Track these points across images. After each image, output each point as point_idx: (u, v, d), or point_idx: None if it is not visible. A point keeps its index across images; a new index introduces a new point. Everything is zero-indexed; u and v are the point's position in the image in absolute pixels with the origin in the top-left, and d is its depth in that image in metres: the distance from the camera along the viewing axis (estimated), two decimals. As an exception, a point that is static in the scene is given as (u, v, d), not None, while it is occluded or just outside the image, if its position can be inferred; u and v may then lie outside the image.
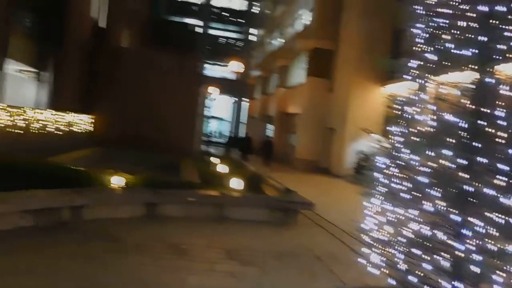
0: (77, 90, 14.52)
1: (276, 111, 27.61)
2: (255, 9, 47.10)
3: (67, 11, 13.34)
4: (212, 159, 13.68)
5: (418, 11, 3.61)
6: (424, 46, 3.54)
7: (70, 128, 13.00)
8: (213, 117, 41.40)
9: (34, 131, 10.16)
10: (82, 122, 14.30)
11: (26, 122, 9.71)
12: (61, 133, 12.05)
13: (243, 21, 49.44)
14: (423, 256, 3.20)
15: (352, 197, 4.57)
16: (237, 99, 47.14)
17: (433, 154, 3.28)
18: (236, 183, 8.29)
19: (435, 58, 3.47)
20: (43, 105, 12.42)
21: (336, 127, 20.21)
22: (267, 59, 33.17)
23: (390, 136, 3.71)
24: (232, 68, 24.57)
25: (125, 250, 5.22)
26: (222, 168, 11.07)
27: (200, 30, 44.10)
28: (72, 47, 13.82)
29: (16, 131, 9.09)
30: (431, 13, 3.52)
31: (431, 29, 3.51)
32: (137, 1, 22.77)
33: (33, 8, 11.38)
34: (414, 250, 3.25)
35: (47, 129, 11.03)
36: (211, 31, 49.14)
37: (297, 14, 27.04)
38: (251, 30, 47.36)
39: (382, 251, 3.50)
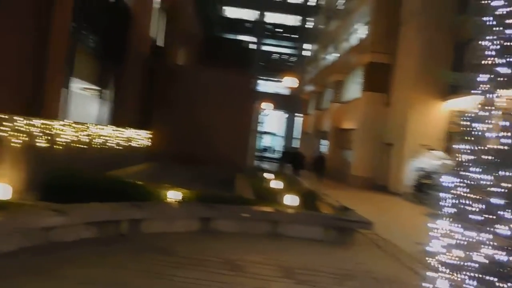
0: (136, 107, 15.23)
1: (331, 127, 27.31)
2: (309, 25, 47.25)
3: (128, 32, 14.10)
4: (266, 174, 13.71)
5: (487, 23, 3.46)
6: (494, 59, 3.38)
7: (129, 143, 13.60)
8: (266, 133, 41.67)
9: (96, 146, 10.73)
10: (141, 137, 14.93)
11: (89, 138, 10.28)
12: (121, 148, 12.63)
13: (297, 36, 49.72)
14: (497, 283, 3.00)
15: (413, 216, 4.40)
16: (290, 115, 47.15)
17: (507, 173, 3.09)
18: (291, 200, 8.24)
19: (507, 71, 3.30)
20: (104, 121, 13.12)
21: (394, 143, 19.63)
22: (321, 74, 33.04)
23: (455, 153, 3.55)
24: (285, 84, 24.70)
25: (181, 264, 5.33)
26: (276, 184, 11.05)
27: (254, 46, 44.88)
28: (132, 66, 14.56)
29: (80, 146, 9.64)
30: (502, 25, 3.37)
31: (502, 41, 3.35)
32: (193, 20, 23.64)
33: (97, 30, 12.14)
34: (487, 277, 3.05)
35: (108, 144, 11.61)
36: (265, 47, 49.81)
37: (352, 28, 26.81)
38: (305, 45, 47.50)
39: (450, 275, 3.31)
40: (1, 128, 6.73)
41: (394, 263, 6.66)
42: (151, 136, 15.92)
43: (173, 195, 7.37)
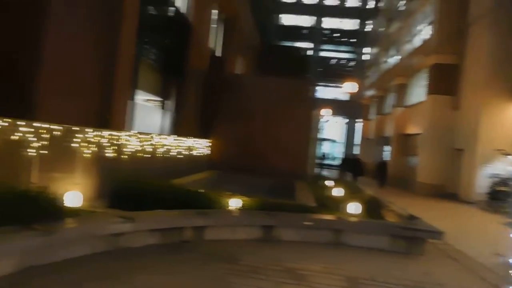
0: (196, 116, 15.70)
1: (394, 132, 26.42)
2: (368, 28, 46.29)
3: (188, 44, 14.61)
4: (326, 182, 13.51)
5: None
6: None
7: (190, 152, 14.00)
8: (325, 139, 41.16)
9: (159, 155, 11.16)
10: (201, 146, 15.32)
11: (153, 147, 10.71)
12: (182, 157, 13.03)
13: (355, 40, 48.88)
14: None
15: (487, 226, 4.11)
16: (350, 121, 46.30)
17: None
18: (354, 208, 8.05)
19: None
20: (167, 131, 13.62)
21: (464, 148, 18.59)
22: (382, 78, 32.16)
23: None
24: (345, 89, 24.30)
25: (243, 272, 5.36)
26: (337, 191, 10.86)
27: (311, 53, 44.66)
28: (192, 77, 15.04)
29: (145, 155, 10.07)
30: None
31: None
32: (250, 30, 24.01)
33: (158, 43, 12.69)
34: None
35: (170, 153, 12.03)
36: (323, 53, 49.43)
37: (414, 29, 25.88)
38: (364, 49, 46.55)
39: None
40: (74, 139, 7.20)
41: (468, 275, 6.25)
42: (211, 145, 16.30)
43: (235, 203, 7.47)
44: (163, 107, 13.75)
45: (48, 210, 4.91)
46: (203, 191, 8.11)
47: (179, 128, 13.92)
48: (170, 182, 8.81)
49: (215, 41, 18.89)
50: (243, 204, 7.55)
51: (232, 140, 16.05)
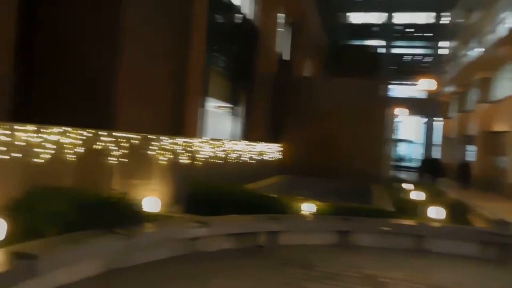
0: (266, 121, 15.83)
1: (478, 130, 24.70)
2: (444, 21, 43.94)
3: (256, 49, 14.80)
4: (404, 185, 12.94)
5: None
6: None
7: (261, 157, 14.12)
8: (401, 140, 39.54)
9: (231, 160, 11.38)
10: (272, 151, 15.40)
11: (225, 153, 10.96)
12: (253, 162, 13.19)
13: (431, 35, 46.60)
14: None
15: None
16: (428, 119, 44.08)
17: None
18: (436, 212, 7.62)
19: None
20: (237, 136, 13.88)
21: None
22: (463, 73, 30.24)
23: None
24: (421, 86, 23.20)
25: (319, 278, 5.26)
26: (416, 195, 10.35)
27: (383, 50, 43.29)
28: (261, 82, 15.20)
29: (217, 161, 10.33)
30: None
31: None
32: (318, 31, 23.80)
33: (227, 50, 13.01)
34: None
35: (242, 158, 12.22)
36: (395, 50, 47.72)
37: (498, 18, 24.09)
38: (441, 44, 44.22)
39: None
40: (150, 147, 7.57)
41: None
42: (282, 149, 16.33)
43: (308, 208, 7.40)
44: (233, 113, 14.04)
45: (128, 215, 5.18)
46: (275, 196, 8.13)
47: (249, 133, 14.12)
48: (242, 187, 8.94)
49: (283, 45, 18.94)
50: (316, 209, 7.45)
51: (303, 144, 15.95)
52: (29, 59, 7.22)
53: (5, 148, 5.08)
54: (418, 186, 12.66)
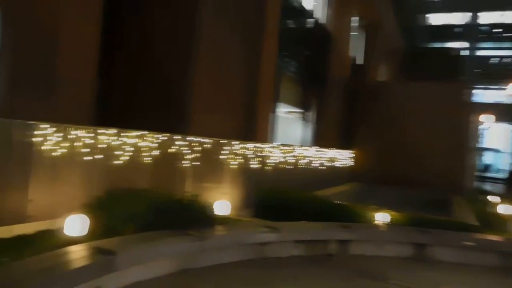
0: (338, 127, 15.60)
1: None
2: (538, 18, 40.69)
3: (328, 54, 14.68)
4: (490, 197, 12.08)
5: None
6: None
7: (332, 163, 13.93)
8: (487, 149, 37.00)
9: (301, 166, 11.35)
10: (343, 157, 15.13)
11: (295, 159, 10.95)
12: (324, 168, 13.04)
13: (522, 34, 43.33)
14: None
15: None
16: (518, 127, 40.79)
17: None
18: (528, 228, 7.02)
19: None
20: (308, 142, 13.81)
21: None
22: (559, 75, 27.74)
23: None
24: (510, 91, 21.61)
25: (394, 292, 5.07)
26: (504, 208, 9.61)
27: (466, 52, 40.91)
28: (333, 87, 15.03)
29: (287, 167, 10.35)
30: None
31: None
32: (393, 33, 23.07)
33: (298, 55, 13.03)
34: None
35: (312, 164, 12.14)
36: (480, 52, 44.90)
37: None
38: (534, 43, 40.98)
39: None
40: (222, 152, 7.78)
41: None
42: (353, 156, 15.98)
43: (382, 218, 7.16)
44: (304, 118, 14.00)
45: (201, 217, 5.35)
46: (347, 203, 7.97)
47: (320, 139, 14.00)
48: (312, 194, 8.87)
49: (356, 49, 18.60)
50: (391, 218, 7.19)
51: (377, 151, 15.50)
52: (108, 65, 7.75)
53: (88, 150, 5.48)
54: (505, 198, 11.75)
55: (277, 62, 10.36)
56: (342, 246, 6.41)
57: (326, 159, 13.31)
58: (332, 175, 13.75)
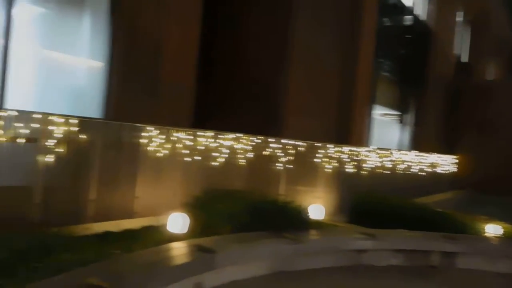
0: (440, 130, 14.70)
1: None
2: None
3: (429, 52, 13.92)
4: None
5: None
6: None
7: (433, 169, 13.15)
8: None
9: (398, 171, 10.87)
10: (445, 163, 14.21)
11: (392, 163, 10.52)
12: (423, 174, 12.36)
13: None
14: None
15: None
16: None
17: None
18: None
19: None
20: (405, 146, 13.19)
21: None
22: None
23: None
24: None
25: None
26: None
27: None
28: (434, 87, 14.20)
29: (383, 171, 9.98)
30: None
31: None
32: (503, 27, 21.18)
33: (395, 55, 12.51)
34: None
35: (410, 170, 11.57)
36: None
37: None
38: None
39: None
40: (316, 155, 7.73)
41: None
42: (457, 161, 14.93)
43: (493, 230, 6.59)
44: (401, 121, 13.42)
45: (295, 220, 5.35)
46: (451, 212, 7.46)
47: (419, 143, 13.31)
48: (412, 201, 8.44)
49: (461, 46, 17.40)
50: (503, 231, 6.58)
51: (485, 156, 14.32)
52: (206, 70, 8.10)
53: (188, 151, 5.77)
54: None
55: (374, 62, 10.05)
56: (446, 258, 5.99)
57: (426, 164, 12.60)
58: (434, 181, 12.99)
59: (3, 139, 4.10)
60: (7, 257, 3.16)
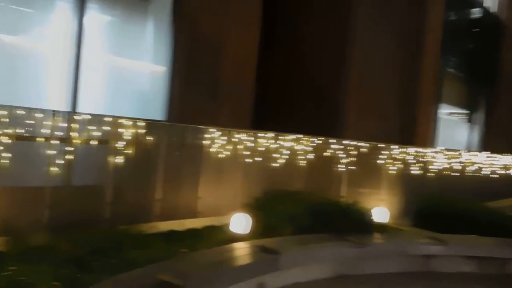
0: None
1: None
2: None
3: (500, 47, 13.19)
4: None
5: None
6: None
7: (507, 171, 12.43)
8: None
9: (467, 173, 10.38)
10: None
11: (460, 165, 10.06)
12: (496, 176, 11.72)
13: None
14: None
15: None
16: None
17: None
18: None
19: None
20: (475, 147, 12.57)
21: None
22: None
23: None
24: None
25: None
26: None
27: None
28: (508, 84, 13.43)
29: (451, 173, 9.57)
30: None
31: None
32: None
33: (464, 52, 11.97)
34: None
35: (481, 172, 11.01)
36: None
37: None
38: None
39: None
40: (379, 156, 7.56)
41: None
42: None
43: None
44: (470, 120, 12.81)
45: (359, 223, 5.28)
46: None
47: (491, 144, 12.63)
48: (483, 205, 8.03)
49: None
50: None
51: None
52: (265, 71, 8.18)
53: (249, 153, 5.87)
54: None
55: (440, 58, 9.68)
56: (523, 266, 5.67)
57: (498, 166, 11.93)
58: (507, 184, 12.27)
59: (78, 141, 4.39)
60: (84, 253, 3.39)
